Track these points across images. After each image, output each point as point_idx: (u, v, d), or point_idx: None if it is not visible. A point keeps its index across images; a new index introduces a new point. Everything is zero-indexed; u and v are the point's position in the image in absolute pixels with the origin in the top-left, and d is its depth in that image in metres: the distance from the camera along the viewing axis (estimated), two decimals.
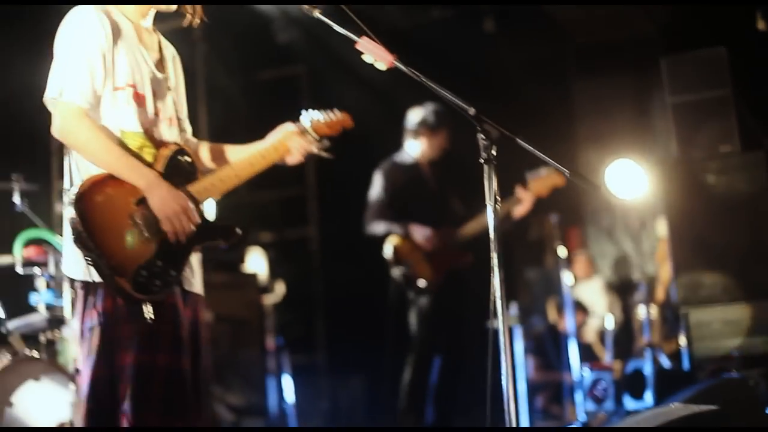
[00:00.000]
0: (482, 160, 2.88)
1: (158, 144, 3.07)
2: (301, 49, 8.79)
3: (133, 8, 3.10)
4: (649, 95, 8.01)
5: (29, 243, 5.82)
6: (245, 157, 3.26)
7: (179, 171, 3.04)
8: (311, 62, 9.02)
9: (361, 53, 3.03)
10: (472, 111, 2.92)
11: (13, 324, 5.52)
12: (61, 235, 6.17)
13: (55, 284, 5.86)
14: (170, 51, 3.30)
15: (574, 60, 8.46)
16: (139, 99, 3.02)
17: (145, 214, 2.90)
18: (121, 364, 2.96)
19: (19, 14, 6.70)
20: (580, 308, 8.42)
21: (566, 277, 7.23)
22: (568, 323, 7.39)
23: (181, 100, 3.31)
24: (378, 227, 6.19)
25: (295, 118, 3.43)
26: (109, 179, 2.90)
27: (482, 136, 2.89)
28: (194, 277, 3.18)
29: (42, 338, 5.71)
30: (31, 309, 5.86)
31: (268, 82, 9.43)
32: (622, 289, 8.74)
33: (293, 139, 3.34)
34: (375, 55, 3.01)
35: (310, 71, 9.25)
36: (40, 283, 5.78)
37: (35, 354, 5.33)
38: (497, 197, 2.89)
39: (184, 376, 3.03)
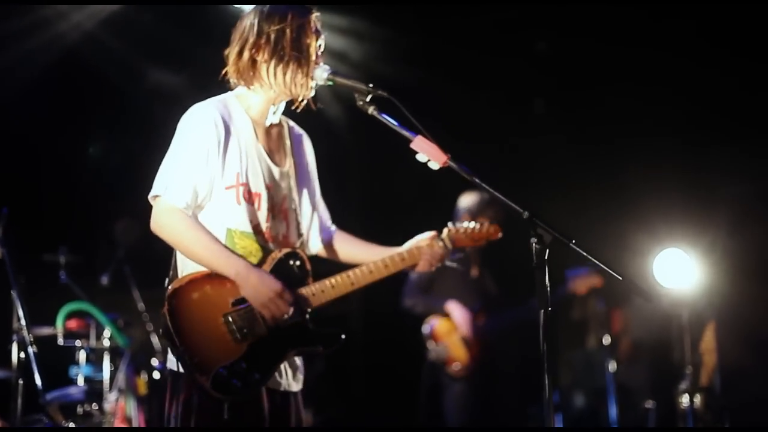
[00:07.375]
0: (534, 266, 2.73)
1: (269, 240, 3.04)
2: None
3: (258, 105, 3.09)
4: (701, 181, 7.86)
5: (72, 315, 5.82)
6: (366, 266, 3.18)
7: (287, 275, 2.99)
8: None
9: (416, 152, 2.95)
10: (526, 214, 2.76)
11: (51, 395, 5.49)
12: (102, 309, 6.22)
13: (95, 357, 5.86)
14: (296, 137, 3.28)
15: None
16: (250, 197, 2.99)
17: (239, 315, 2.88)
18: None
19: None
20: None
21: (609, 362, 7.09)
22: (610, 409, 7.24)
23: (309, 185, 3.30)
24: (417, 303, 6.10)
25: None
26: (210, 278, 2.89)
27: (535, 240, 2.68)
28: (290, 378, 3.09)
29: (80, 410, 5.69)
30: (71, 381, 5.86)
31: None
32: (666, 375, 8.53)
33: (423, 249, 3.29)
34: (429, 154, 2.91)
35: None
36: (81, 355, 5.78)
37: (72, 425, 5.30)
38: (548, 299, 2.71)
39: None
